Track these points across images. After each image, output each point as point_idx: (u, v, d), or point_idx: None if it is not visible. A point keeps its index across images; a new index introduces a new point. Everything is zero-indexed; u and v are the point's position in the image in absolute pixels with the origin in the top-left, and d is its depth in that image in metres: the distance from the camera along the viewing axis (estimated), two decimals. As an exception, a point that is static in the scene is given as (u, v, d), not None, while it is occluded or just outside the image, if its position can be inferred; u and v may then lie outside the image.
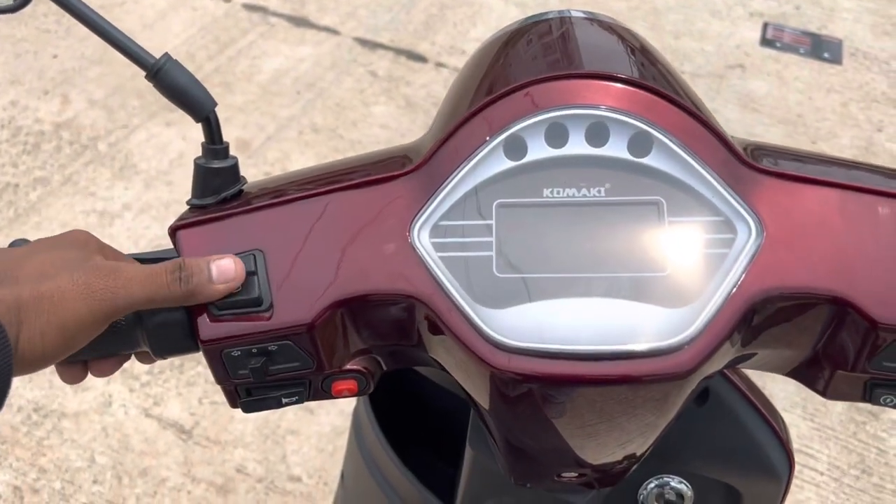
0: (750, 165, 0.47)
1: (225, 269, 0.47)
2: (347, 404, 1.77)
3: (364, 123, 2.51)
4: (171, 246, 0.52)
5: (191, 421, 1.74)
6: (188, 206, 0.52)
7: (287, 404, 0.52)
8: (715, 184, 0.46)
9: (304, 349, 0.49)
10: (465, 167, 0.48)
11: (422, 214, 0.48)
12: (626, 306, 0.45)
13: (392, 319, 0.50)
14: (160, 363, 1.84)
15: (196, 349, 0.50)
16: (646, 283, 0.45)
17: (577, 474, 0.56)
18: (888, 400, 0.48)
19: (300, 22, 2.92)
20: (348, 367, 0.51)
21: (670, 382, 0.46)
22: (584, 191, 0.47)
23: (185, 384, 1.81)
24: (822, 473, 1.75)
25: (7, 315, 0.41)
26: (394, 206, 0.49)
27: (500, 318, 0.45)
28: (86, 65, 2.68)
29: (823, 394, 0.50)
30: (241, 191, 0.52)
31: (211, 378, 1.81)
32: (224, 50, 2.71)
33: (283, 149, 2.38)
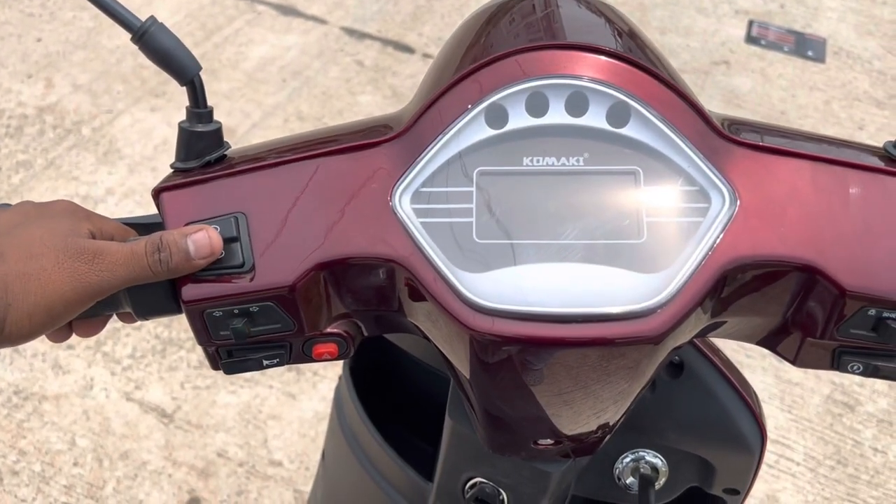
0: (725, 137, 0.48)
1: (201, 243, 0.48)
2: (329, 390, 1.78)
3: (350, 112, 2.51)
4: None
5: (172, 405, 1.74)
6: (172, 170, 0.53)
7: (268, 366, 0.52)
8: (691, 154, 0.47)
9: (285, 311, 0.49)
10: (446, 135, 0.49)
11: (403, 180, 0.49)
12: (602, 271, 0.46)
13: (373, 284, 0.51)
14: (142, 347, 1.84)
15: (178, 310, 0.50)
16: (622, 249, 0.46)
17: (553, 442, 0.57)
18: (855, 367, 0.49)
19: (287, 10, 2.91)
20: (329, 330, 0.52)
21: (643, 346, 0.47)
22: (563, 160, 0.48)
23: (166, 369, 1.81)
24: (798, 464, 1.77)
25: None
26: (376, 172, 0.50)
27: (479, 282, 0.46)
28: (70, 49, 2.67)
29: (793, 362, 0.51)
30: (224, 155, 0.53)
31: (193, 363, 1.81)
32: (210, 37, 2.70)
33: (268, 136, 2.38)
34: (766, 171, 0.48)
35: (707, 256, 0.45)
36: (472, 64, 0.50)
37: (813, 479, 1.75)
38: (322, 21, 2.89)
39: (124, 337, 1.86)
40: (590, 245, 0.46)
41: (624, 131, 0.48)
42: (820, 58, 2.98)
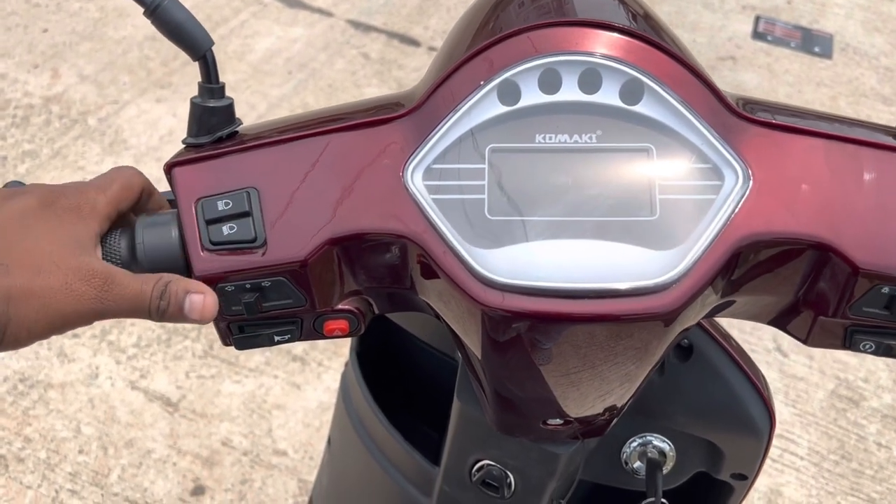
0: (739, 115, 0.48)
1: (195, 306, 0.48)
2: (334, 381, 1.78)
3: (356, 105, 2.51)
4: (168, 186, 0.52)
5: (177, 394, 1.74)
6: (183, 145, 0.53)
7: (279, 342, 0.52)
8: (704, 131, 0.47)
9: (297, 286, 0.49)
10: (458, 111, 0.49)
11: (415, 157, 0.49)
12: (614, 248, 0.46)
13: (385, 261, 0.51)
14: (147, 336, 1.84)
15: None
16: (635, 226, 0.46)
17: (562, 422, 0.57)
18: (867, 346, 0.49)
19: (293, 3, 2.91)
20: (340, 307, 0.52)
21: (653, 326, 0.47)
22: (575, 137, 0.48)
23: (171, 358, 1.81)
24: (802, 458, 1.77)
25: None
26: (388, 148, 0.49)
27: (491, 258, 0.46)
28: (76, 40, 2.67)
29: (805, 341, 0.51)
30: (236, 132, 0.53)
31: (198, 352, 1.81)
32: (216, 29, 2.70)
33: (274, 128, 2.38)
34: (780, 149, 0.47)
35: (720, 233, 0.45)
36: (484, 41, 0.50)
37: (817, 474, 1.75)
38: (328, 13, 2.89)
39: (129, 326, 1.86)
40: (602, 222, 0.46)
41: (637, 108, 0.48)
42: (827, 54, 2.97)
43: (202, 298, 0.48)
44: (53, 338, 1.81)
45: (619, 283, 0.45)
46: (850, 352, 0.50)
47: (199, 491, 1.59)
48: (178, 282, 0.48)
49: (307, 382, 1.78)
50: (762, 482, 1.72)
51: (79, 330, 1.85)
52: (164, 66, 2.57)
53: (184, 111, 2.41)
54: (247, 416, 1.72)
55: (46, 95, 2.45)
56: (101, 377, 1.77)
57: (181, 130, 2.33)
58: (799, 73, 2.86)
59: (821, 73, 2.87)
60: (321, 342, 1.86)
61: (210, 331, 1.86)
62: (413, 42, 2.81)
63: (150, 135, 2.34)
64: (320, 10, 2.90)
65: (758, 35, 3.03)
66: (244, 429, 1.69)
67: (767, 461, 1.82)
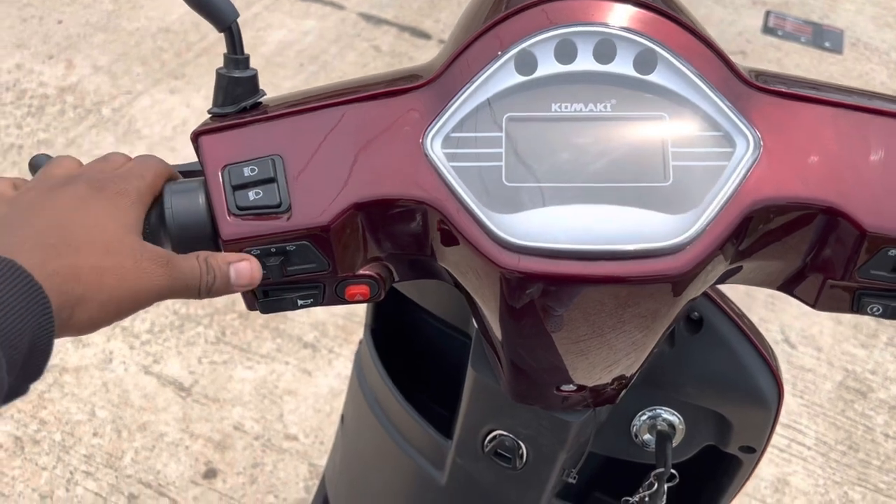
0: (750, 84, 0.49)
1: (242, 272, 0.49)
2: (344, 367, 1.80)
3: (367, 96, 2.53)
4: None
5: (190, 379, 1.76)
6: (209, 115, 0.54)
7: (302, 306, 0.54)
8: (716, 100, 0.49)
9: (320, 250, 0.51)
10: (476, 81, 0.50)
11: (434, 125, 0.50)
12: (628, 212, 0.47)
13: (407, 228, 0.52)
14: (160, 323, 1.86)
15: (218, 250, 0.52)
16: (648, 191, 0.47)
17: (575, 387, 0.58)
18: (874, 309, 0.50)
19: (305, -5, 2.93)
20: (362, 272, 0.54)
21: (664, 290, 0.48)
22: (591, 106, 0.49)
23: (184, 343, 1.83)
24: (809, 448, 1.78)
25: (65, 285, 0.42)
26: (408, 117, 0.51)
27: (509, 222, 0.48)
28: (91, 31, 2.69)
29: (813, 305, 0.52)
30: (260, 102, 0.54)
31: (210, 339, 1.83)
32: (229, 21, 2.72)
33: (286, 119, 2.40)
34: (790, 117, 0.49)
35: (732, 198, 0.47)
36: (502, 13, 0.51)
37: (824, 464, 1.75)
38: (339, 6, 2.91)
39: (143, 313, 1.88)
40: (616, 187, 0.48)
41: (651, 78, 0.49)
42: (837, 49, 2.97)
43: (248, 265, 0.49)
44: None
45: (632, 245, 0.46)
46: (858, 316, 0.51)
47: (211, 474, 1.61)
48: (214, 256, 0.49)
49: (318, 369, 1.80)
50: (769, 472, 1.73)
51: (93, 315, 1.87)
52: (177, 58, 2.60)
53: (197, 102, 2.43)
54: (258, 401, 1.74)
55: (61, 86, 2.48)
56: (114, 362, 1.79)
57: (194, 121, 2.35)
58: (809, 67, 2.86)
59: (831, 69, 2.87)
60: (331, 329, 1.88)
61: (223, 317, 1.88)
62: (424, 35, 2.82)
63: (164, 125, 2.36)
64: (332, 3, 2.92)
65: (768, 30, 3.03)
66: (256, 414, 1.71)
67: (774, 451, 1.82)
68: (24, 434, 1.65)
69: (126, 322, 1.86)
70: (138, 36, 2.68)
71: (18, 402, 1.70)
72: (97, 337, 1.83)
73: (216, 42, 2.64)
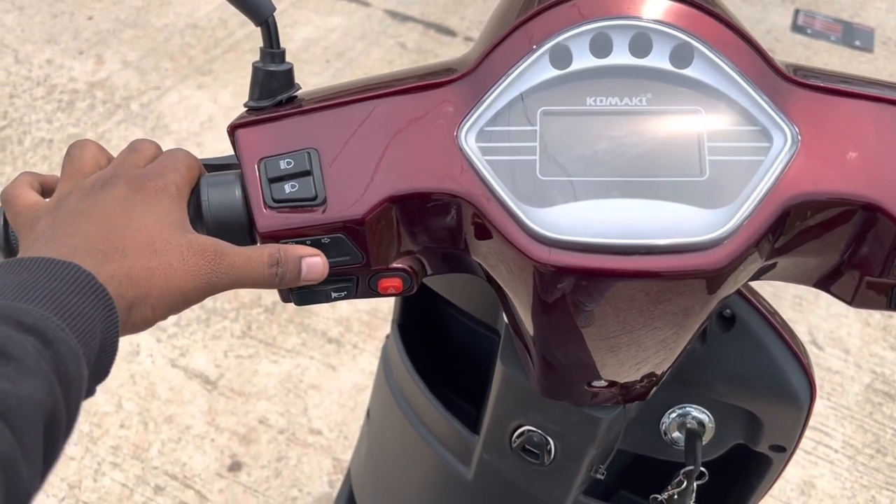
0: (787, 78, 0.49)
1: (314, 268, 0.50)
2: (368, 363, 1.80)
3: (392, 93, 2.53)
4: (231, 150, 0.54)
5: (216, 373, 1.78)
6: (245, 108, 0.55)
7: (336, 299, 0.54)
8: (753, 94, 0.48)
9: (354, 243, 0.51)
10: (511, 75, 0.50)
11: (468, 119, 0.50)
12: (664, 206, 0.47)
13: (441, 222, 0.52)
14: (187, 316, 1.88)
15: (253, 242, 0.53)
16: (684, 186, 0.47)
17: (607, 383, 0.58)
18: (913, 306, 0.50)
19: (332, -7, 2.94)
20: (395, 265, 0.54)
21: (698, 286, 0.48)
22: (626, 100, 0.49)
23: (210, 337, 1.84)
24: (836, 451, 1.76)
25: (120, 288, 0.43)
26: (442, 111, 0.51)
27: (543, 216, 0.48)
28: (120, 27, 2.72)
29: (850, 302, 0.51)
30: (295, 96, 0.55)
31: (236, 333, 1.85)
32: (256, 17, 2.74)
33: (311, 115, 2.41)
34: (828, 112, 0.48)
35: (769, 193, 0.46)
36: (537, 7, 0.51)
37: (851, 467, 1.73)
38: (365, 3, 2.92)
39: (170, 306, 1.90)
40: (652, 182, 0.47)
41: (687, 72, 0.49)
42: (868, 47, 2.93)
43: (318, 260, 0.50)
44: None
45: (667, 240, 0.46)
46: (887, 318, 0.50)
47: (235, 467, 1.63)
48: (288, 249, 0.50)
49: (342, 364, 1.81)
50: (795, 474, 1.72)
51: (121, 308, 1.89)
52: (205, 54, 2.62)
53: (224, 98, 2.45)
54: (283, 395, 1.75)
55: (91, 81, 2.51)
56: (142, 354, 1.81)
57: (221, 117, 2.36)
58: (839, 66, 2.82)
59: (861, 67, 2.83)
60: (355, 325, 1.88)
61: (248, 311, 1.89)
62: (449, 32, 2.82)
63: (191, 120, 2.38)
64: (358, 0, 2.92)
65: (797, 28, 3.00)
66: (280, 408, 1.72)
67: (801, 453, 1.80)
68: (53, 424, 1.67)
69: (153, 315, 1.88)
70: (167, 32, 2.71)
71: (48, 393, 1.72)
72: (125, 330, 1.85)
73: (243, 39, 2.65)
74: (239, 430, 1.68)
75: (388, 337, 0.94)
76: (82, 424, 1.67)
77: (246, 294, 1.93)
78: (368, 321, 1.90)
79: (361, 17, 2.85)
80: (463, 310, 0.86)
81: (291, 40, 2.68)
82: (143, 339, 1.83)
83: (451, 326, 0.94)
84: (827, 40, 2.94)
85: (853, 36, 2.98)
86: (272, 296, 1.92)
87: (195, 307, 1.88)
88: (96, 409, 1.70)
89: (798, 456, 1.80)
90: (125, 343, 1.82)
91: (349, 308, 1.92)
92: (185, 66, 2.57)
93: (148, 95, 2.46)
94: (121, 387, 1.74)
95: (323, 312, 1.91)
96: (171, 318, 1.86)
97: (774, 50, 2.87)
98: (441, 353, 0.96)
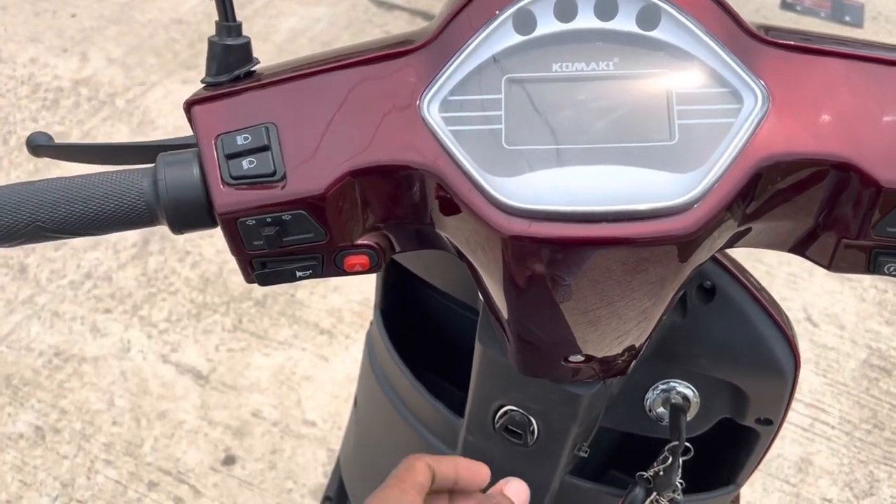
0: (757, 37, 0.48)
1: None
2: (361, 353, 1.79)
3: (380, 82, 2.52)
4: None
5: (207, 367, 1.77)
6: (202, 85, 0.53)
7: (301, 278, 0.53)
8: (723, 55, 0.47)
9: (317, 220, 0.50)
10: (473, 42, 0.49)
11: (431, 89, 0.49)
12: (633, 172, 0.45)
13: (405, 196, 0.51)
14: (178, 311, 1.87)
15: (213, 223, 0.51)
16: (653, 150, 0.46)
17: (583, 358, 0.57)
18: (891, 268, 0.48)
19: (317, -17, 2.92)
20: (361, 241, 0.52)
21: (671, 254, 0.46)
22: (592, 65, 0.48)
23: (201, 332, 1.83)
24: (833, 427, 1.76)
25: None
26: (404, 81, 0.50)
27: (509, 186, 0.46)
28: (104, 24, 2.70)
29: (828, 266, 0.50)
30: (253, 70, 0.53)
31: (227, 326, 1.83)
32: (240, 10, 2.71)
33: (299, 106, 2.39)
34: (799, 71, 0.47)
35: (740, 154, 0.45)
36: None
37: (849, 443, 1.73)
38: (351, -7, 2.89)
39: (160, 301, 1.89)
40: (620, 148, 0.46)
41: (654, 34, 0.47)
42: (858, 23, 2.92)
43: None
44: (86, 312, 1.84)
45: (637, 205, 0.45)
46: (882, 294, 0.49)
47: (230, 461, 1.62)
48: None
49: (335, 355, 1.80)
50: (792, 451, 1.71)
51: (110, 304, 1.88)
52: (189, 48, 2.60)
53: (210, 91, 2.43)
54: (276, 387, 1.74)
55: (75, 78, 2.49)
56: (132, 351, 1.80)
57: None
58: (829, 42, 2.81)
59: (852, 42, 2.81)
60: (347, 316, 1.87)
61: (239, 305, 1.88)
62: (436, 19, 2.80)
63: (178, 115, 2.36)
64: (343, -10, 2.90)
65: (786, 5, 2.98)
66: (274, 400, 1.71)
67: (798, 430, 1.80)
68: (45, 423, 1.66)
69: (144, 311, 1.87)
70: (151, 28, 2.69)
71: (39, 392, 1.71)
72: (115, 326, 1.84)
73: (228, 31, 2.64)
74: (232, 423, 1.67)
75: (371, 322, 0.93)
76: (74, 422, 1.66)
77: (236, 287, 1.92)
78: (360, 311, 1.89)
79: (347, 6, 2.83)
80: (444, 291, 0.85)
81: (277, 31, 2.66)
82: (134, 334, 1.82)
83: (434, 308, 0.93)
84: (816, 17, 2.93)
85: (843, 12, 2.96)
86: (263, 289, 1.91)
87: (185, 301, 1.86)
88: (88, 407, 1.69)
89: (795, 433, 1.79)
90: (115, 339, 1.81)
91: (341, 298, 1.91)
92: (170, 60, 2.55)
93: (133, 91, 2.44)
94: (112, 384, 1.73)
95: (315, 304, 1.90)
96: (162, 314, 1.85)
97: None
98: (426, 336, 0.95)
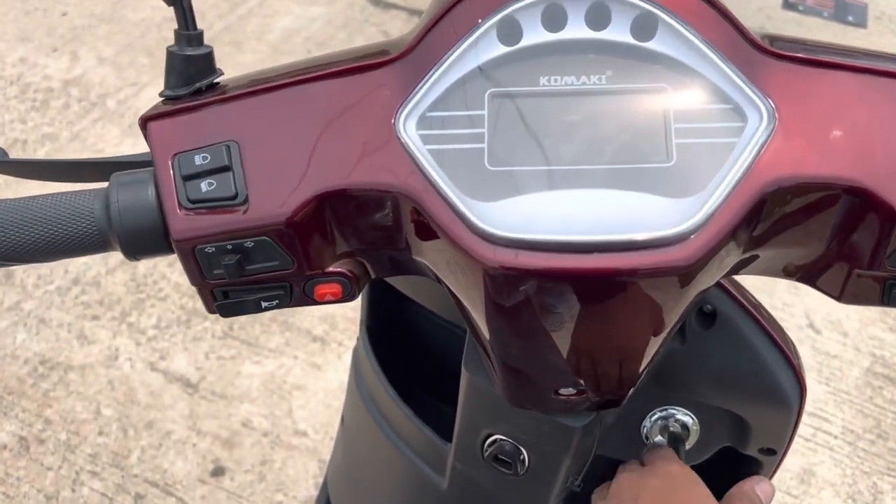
0: (762, 49, 0.44)
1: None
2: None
3: (375, 83, 2.48)
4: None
5: (197, 375, 1.73)
6: (161, 98, 0.49)
7: (267, 308, 0.49)
8: (724, 68, 0.43)
9: (282, 246, 0.46)
10: (454, 53, 0.45)
11: (407, 104, 0.45)
12: (627, 197, 0.42)
13: (378, 220, 0.47)
14: (167, 318, 1.83)
15: (170, 249, 0.47)
16: (649, 173, 0.42)
17: (575, 392, 0.53)
18: (907, 300, 0.44)
19: (312, -19, 2.88)
20: (332, 269, 0.49)
21: (670, 282, 0.43)
22: (583, 78, 0.44)
23: (191, 339, 1.80)
24: (836, 437, 1.72)
25: None
26: (378, 96, 0.46)
27: (492, 211, 0.42)
28: (95, 23, 2.66)
29: (839, 298, 0.46)
30: (216, 83, 0.49)
31: (217, 334, 1.80)
32: (235, 9, 2.68)
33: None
34: (809, 86, 0.43)
35: (743, 178, 0.41)
36: None
37: (852, 453, 1.69)
38: (347, -9, 2.85)
39: (149, 308, 1.85)
40: (613, 169, 0.42)
41: (650, 45, 0.43)
42: (861, 23, 2.88)
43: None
44: (73, 319, 1.80)
45: (630, 235, 0.41)
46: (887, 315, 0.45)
47: (218, 472, 1.58)
48: None
49: (327, 363, 1.76)
50: (794, 462, 1.67)
51: (98, 311, 1.84)
52: (182, 48, 2.56)
53: (202, 92, 2.39)
54: (267, 396, 1.70)
55: (66, 79, 2.45)
56: (120, 359, 1.76)
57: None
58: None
59: (855, 43, 2.77)
60: (340, 322, 1.84)
61: (229, 312, 1.85)
62: (433, 18, 2.77)
63: (169, 116, 2.33)
64: (339, -11, 2.86)
65: (789, 5, 2.94)
66: (264, 410, 1.68)
67: (800, 440, 1.76)
68: (29, 433, 1.63)
69: (133, 318, 1.83)
70: (143, 27, 2.65)
71: (23, 401, 1.67)
72: (103, 333, 1.80)
73: (222, 31, 2.59)
74: (221, 433, 1.63)
75: (358, 339, 0.90)
76: (59, 433, 1.63)
77: (227, 293, 1.88)
78: (354, 318, 1.85)
79: (343, 5, 2.78)
80: (430, 309, 0.81)
81: (271, 31, 2.62)
82: (122, 342, 1.78)
83: (422, 326, 0.89)
84: (819, 16, 2.89)
85: (846, 11, 2.92)
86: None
87: (174, 308, 1.83)
88: (73, 417, 1.65)
89: (797, 443, 1.75)
90: (102, 347, 1.77)
91: (334, 304, 1.87)
92: (162, 60, 2.50)
93: (125, 92, 2.40)
94: (98, 393, 1.69)
95: (307, 310, 1.86)
96: (151, 320, 1.81)
97: (766, 28, 2.81)
98: (415, 353, 0.91)
